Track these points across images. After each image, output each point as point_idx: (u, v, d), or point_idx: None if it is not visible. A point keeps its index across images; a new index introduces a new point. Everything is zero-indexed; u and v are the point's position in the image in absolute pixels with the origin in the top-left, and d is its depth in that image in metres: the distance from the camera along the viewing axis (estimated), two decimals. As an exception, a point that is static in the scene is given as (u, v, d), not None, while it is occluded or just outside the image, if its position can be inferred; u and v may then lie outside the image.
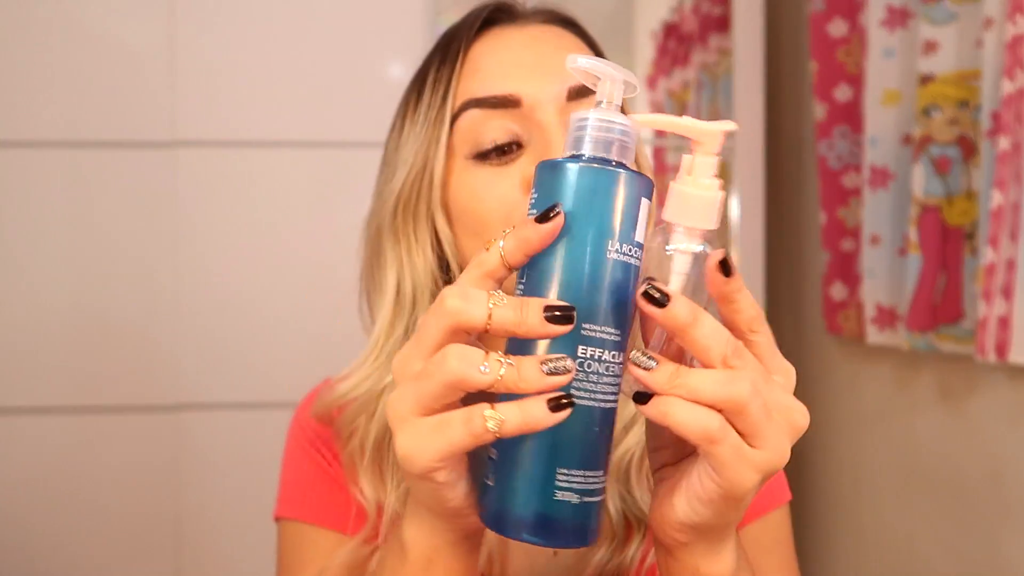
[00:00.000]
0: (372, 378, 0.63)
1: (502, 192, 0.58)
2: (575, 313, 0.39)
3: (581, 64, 0.44)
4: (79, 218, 1.44)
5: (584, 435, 0.40)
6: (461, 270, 0.61)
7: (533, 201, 0.42)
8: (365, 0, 1.48)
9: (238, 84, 1.46)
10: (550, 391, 0.39)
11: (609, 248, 0.40)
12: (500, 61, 0.60)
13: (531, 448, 0.40)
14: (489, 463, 0.42)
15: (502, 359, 0.39)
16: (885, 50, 1.32)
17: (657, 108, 2.11)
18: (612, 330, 0.40)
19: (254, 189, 1.46)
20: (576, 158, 0.41)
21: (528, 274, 0.41)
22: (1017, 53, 1.03)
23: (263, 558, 1.60)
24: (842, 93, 1.45)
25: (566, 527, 0.41)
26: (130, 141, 1.44)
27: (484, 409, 0.39)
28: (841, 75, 1.45)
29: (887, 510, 1.42)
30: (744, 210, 1.62)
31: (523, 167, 0.58)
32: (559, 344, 0.39)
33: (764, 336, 0.43)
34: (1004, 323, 1.05)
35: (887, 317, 1.34)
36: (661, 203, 0.43)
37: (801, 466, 1.63)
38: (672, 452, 0.46)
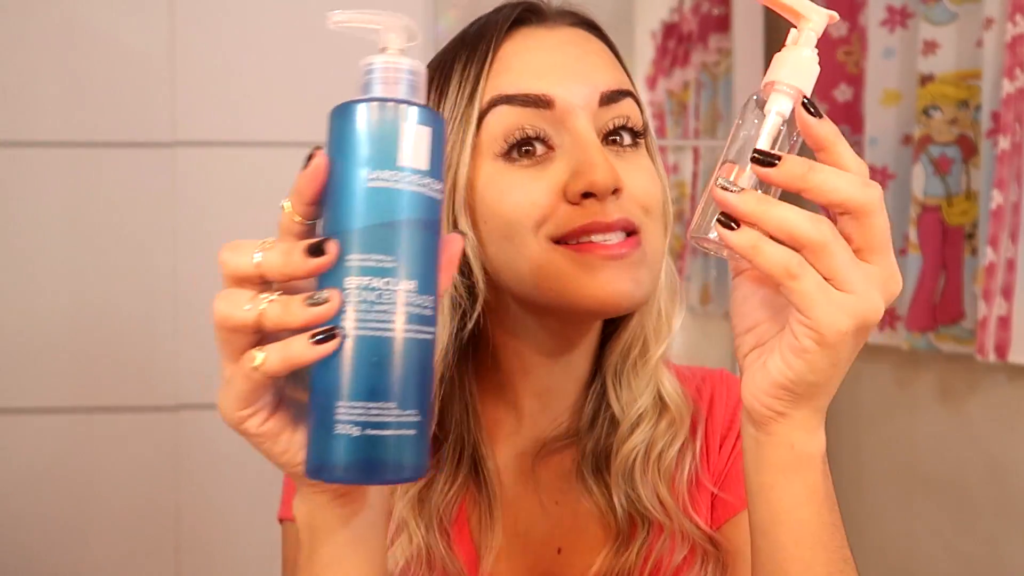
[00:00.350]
0: None
1: (534, 197, 0.56)
2: (332, 244, 0.40)
3: (342, 18, 0.44)
4: (79, 218, 1.44)
5: (363, 366, 0.40)
6: (485, 273, 0.59)
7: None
8: (365, 0, 1.48)
9: (238, 84, 1.46)
10: (318, 324, 0.39)
11: (367, 177, 0.40)
12: (532, 61, 0.59)
13: (316, 385, 0.41)
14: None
15: (267, 296, 0.40)
16: (885, 50, 1.32)
17: (657, 108, 2.11)
18: (381, 257, 0.40)
19: (254, 189, 1.46)
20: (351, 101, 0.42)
21: (322, 220, 0.42)
22: (1017, 53, 1.03)
23: (263, 558, 1.59)
24: (842, 93, 1.46)
25: (354, 461, 0.40)
26: (130, 141, 1.44)
27: (253, 351, 0.40)
28: (841, 75, 1.45)
29: (887, 509, 1.42)
30: (744, 210, 1.62)
31: (557, 173, 0.57)
32: (330, 278, 0.40)
33: (876, 191, 0.42)
34: (1004, 323, 1.05)
35: (887, 317, 1.34)
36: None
37: (801, 466, 1.63)
38: (766, 328, 0.47)
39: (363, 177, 0.40)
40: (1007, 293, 1.05)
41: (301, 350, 0.39)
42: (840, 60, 1.45)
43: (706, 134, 1.87)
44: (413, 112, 0.42)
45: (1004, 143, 1.04)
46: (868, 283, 0.42)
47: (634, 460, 0.63)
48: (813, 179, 0.41)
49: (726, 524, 0.65)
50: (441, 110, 0.60)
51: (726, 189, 0.42)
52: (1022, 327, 1.05)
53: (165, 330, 1.45)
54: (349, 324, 0.40)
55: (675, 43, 2.00)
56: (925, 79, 1.21)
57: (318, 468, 0.41)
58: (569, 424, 0.66)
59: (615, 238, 0.57)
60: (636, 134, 0.60)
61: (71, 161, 1.43)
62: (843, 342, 0.42)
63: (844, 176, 0.42)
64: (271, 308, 0.40)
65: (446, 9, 1.51)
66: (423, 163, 0.41)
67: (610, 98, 0.59)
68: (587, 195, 0.56)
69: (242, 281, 0.41)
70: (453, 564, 0.61)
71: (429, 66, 0.63)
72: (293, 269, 0.40)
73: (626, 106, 0.60)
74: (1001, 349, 1.05)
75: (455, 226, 0.59)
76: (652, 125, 0.66)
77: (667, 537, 0.63)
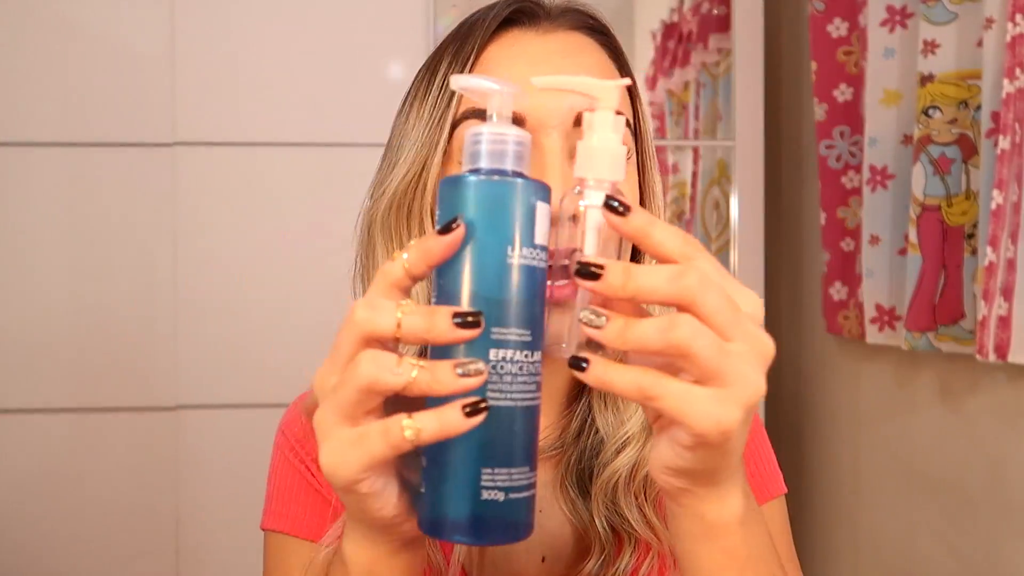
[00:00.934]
0: None
1: None
2: (483, 318, 0.40)
3: (463, 84, 0.45)
4: (79, 218, 1.44)
5: (504, 434, 0.42)
6: None
7: (438, 216, 0.44)
8: (365, 0, 1.48)
9: (238, 84, 1.46)
10: (464, 392, 0.39)
11: (510, 254, 0.42)
12: (511, 72, 0.58)
13: (456, 451, 0.42)
14: (421, 471, 0.43)
15: (415, 362, 0.40)
16: (885, 50, 1.32)
17: (657, 108, 2.11)
18: (521, 331, 0.42)
19: (253, 190, 1.46)
20: (474, 172, 0.43)
21: (439, 284, 0.43)
22: (1017, 53, 1.03)
23: (262, 559, 1.59)
24: (842, 93, 1.45)
25: (495, 524, 0.42)
26: (130, 141, 1.44)
27: (402, 419, 0.39)
28: (841, 75, 1.45)
29: (887, 510, 1.42)
30: (744, 210, 1.62)
31: None
32: (471, 349, 0.41)
33: (706, 262, 0.40)
34: (1004, 323, 1.05)
35: (887, 317, 1.34)
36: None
37: (801, 465, 1.63)
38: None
39: (507, 254, 0.42)
40: (1007, 293, 1.05)
41: (457, 422, 0.39)
42: (840, 60, 1.45)
43: (706, 134, 1.87)
44: (545, 191, 0.44)
45: (1004, 143, 1.04)
46: (745, 364, 0.39)
47: (617, 481, 0.62)
48: (632, 287, 0.39)
49: None
50: (424, 107, 0.60)
51: (589, 325, 0.40)
52: (1022, 327, 1.05)
53: (165, 330, 1.45)
54: (492, 394, 0.41)
55: (675, 43, 2.00)
56: (925, 79, 1.21)
57: (443, 526, 0.42)
58: (555, 436, 0.66)
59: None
60: None
61: (71, 161, 1.43)
62: (733, 434, 0.40)
63: (657, 274, 0.39)
64: (421, 376, 0.39)
65: (446, 9, 1.51)
66: (544, 239, 0.43)
67: None
68: None
69: (377, 341, 0.41)
70: (435, 554, 0.62)
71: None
72: (436, 336, 0.40)
73: None
74: (1001, 349, 1.05)
75: (424, 228, 0.59)
76: (651, 134, 0.64)
77: (654, 557, 0.62)
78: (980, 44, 1.12)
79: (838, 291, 1.48)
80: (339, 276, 0.76)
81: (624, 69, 0.63)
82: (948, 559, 1.27)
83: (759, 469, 0.69)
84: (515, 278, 0.42)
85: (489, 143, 0.44)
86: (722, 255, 1.70)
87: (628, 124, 0.60)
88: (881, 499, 1.43)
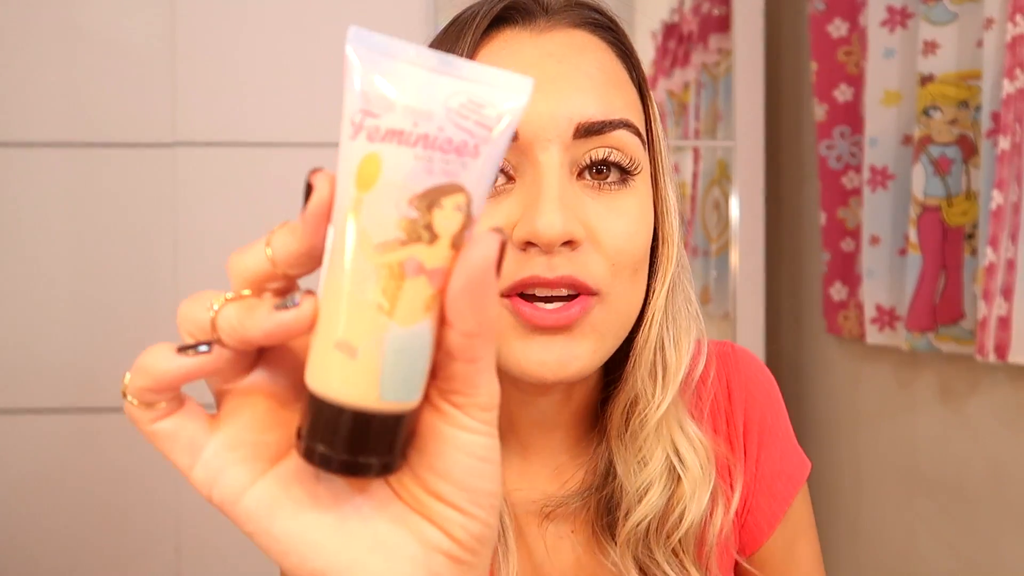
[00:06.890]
0: None
1: None
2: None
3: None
4: (79, 218, 1.44)
5: None
6: None
7: None
8: (365, 0, 1.48)
9: (238, 84, 1.46)
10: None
11: None
12: None
13: None
14: None
15: (230, 296, 0.34)
16: (885, 50, 1.32)
17: (658, 108, 2.11)
18: None
19: (254, 190, 1.46)
20: None
21: None
22: (1017, 53, 1.03)
23: (263, 558, 1.58)
24: (842, 93, 1.46)
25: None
26: (130, 141, 1.44)
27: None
28: (841, 75, 1.45)
29: (887, 510, 1.42)
30: (744, 210, 1.62)
31: (512, 210, 0.51)
32: None
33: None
34: (1004, 323, 1.05)
35: (887, 317, 1.34)
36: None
37: (801, 466, 1.63)
38: None
39: None
40: (1007, 293, 1.05)
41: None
42: (840, 60, 1.45)
43: (706, 134, 1.87)
44: None
45: (1004, 143, 1.04)
46: None
47: (647, 529, 0.57)
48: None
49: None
50: None
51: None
52: (1022, 327, 1.05)
53: (165, 330, 1.44)
54: None
55: (675, 43, 2.00)
56: (925, 79, 1.21)
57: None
58: (579, 482, 0.60)
59: (557, 302, 0.49)
60: (625, 170, 0.52)
61: (71, 161, 1.43)
62: None
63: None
64: (227, 309, 0.35)
65: (446, 9, 1.51)
66: None
67: (588, 130, 0.51)
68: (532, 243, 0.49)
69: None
70: None
71: None
72: (251, 325, 0.34)
73: (614, 138, 0.52)
74: (1001, 349, 1.05)
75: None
76: (664, 141, 0.57)
77: None
78: (980, 44, 1.12)
79: (838, 291, 1.48)
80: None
81: (635, 70, 0.57)
82: (948, 559, 1.27)
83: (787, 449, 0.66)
84: None
85: None
86: (722, 255, 1.71)
87: (638, 133, 0.54)
88: (881, 499, 1.43)
